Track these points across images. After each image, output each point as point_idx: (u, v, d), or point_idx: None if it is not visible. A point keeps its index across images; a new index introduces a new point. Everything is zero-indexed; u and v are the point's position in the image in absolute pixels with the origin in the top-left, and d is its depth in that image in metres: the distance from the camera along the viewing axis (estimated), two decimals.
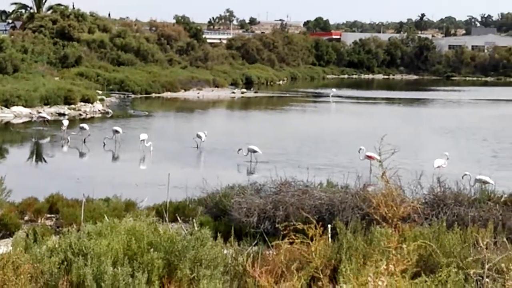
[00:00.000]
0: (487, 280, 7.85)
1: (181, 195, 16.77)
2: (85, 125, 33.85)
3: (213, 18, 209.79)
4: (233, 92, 72.42)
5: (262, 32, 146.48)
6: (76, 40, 77.59)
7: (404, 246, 8.71)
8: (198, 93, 69.01)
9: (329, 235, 9.90)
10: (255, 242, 10.63)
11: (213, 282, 7.75)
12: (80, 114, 46.01)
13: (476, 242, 9.19)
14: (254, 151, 27.95)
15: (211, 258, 8.42)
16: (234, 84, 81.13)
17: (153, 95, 64.71)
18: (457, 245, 9.32)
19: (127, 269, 7.75)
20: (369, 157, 25.41)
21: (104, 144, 31.57)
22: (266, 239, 11.50)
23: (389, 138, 10.31)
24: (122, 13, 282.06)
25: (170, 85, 67.71)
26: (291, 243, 9.16)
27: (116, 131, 31.96)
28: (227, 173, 26.19)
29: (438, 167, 23.89)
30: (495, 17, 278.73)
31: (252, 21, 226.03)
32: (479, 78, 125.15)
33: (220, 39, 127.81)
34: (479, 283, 7.97)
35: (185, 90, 68.98)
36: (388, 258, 8.47)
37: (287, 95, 74.82)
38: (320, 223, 9.47)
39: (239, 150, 28.05)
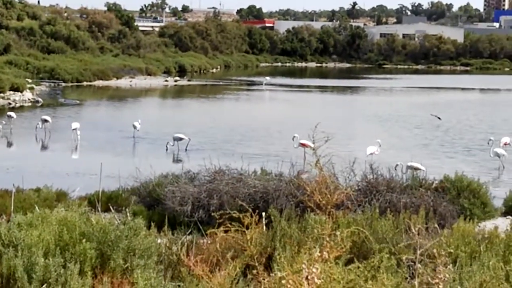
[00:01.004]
0: (419, 265, 7.93)
1: (114, 184, 16.57)
2: (12, 113, 33.20)
3: (145, 5, 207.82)
4: (166, 80, 72.00)
5: (195, 20, 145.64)
6: (5, 27, 76.06)
7: (337, 233, 8.76)
8: (130, 81, 68.40)
9: (264, 223, 9.90)
10: (189, 231, 10.57)
11: (146, 272, 7.67)
12: (9, 103, 45.15)
13: (408, 228, 9.30)
14: (180, 139, 27.91)
15: (144, 248, 8.34)
16: (167, 72, 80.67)
17: (85, 83, 63.88)
18: (389, 231, 9.41)
19: (59, 260, 7.62)
20: (303, 145, 25.52)
21: (35, 134, 31.06)
22: (200, 228, 11.46)
23: (322, 126, 10.35)
24: (52, 0, 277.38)
25: (101, 73, 66.91)
26: (226, 232, 9.15)
27: (45, 120, 31.44)
28: (161, 162, 26.01)
29: (371, 154, 24.14)
30: (425, 5, 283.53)
31: (185, 9, 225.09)
32: (410, 66, 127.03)
33: (152, 27, 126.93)
34: (411, 268, 8.06)
35: (117, 79, 68.28)
36: (322, 245, 8.51)
37: (221, 83, 74.73)
38: (256, 211, 9.49)
39: (167, 143, 27.95)
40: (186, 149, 28.07)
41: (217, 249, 8.98)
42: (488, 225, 13.57)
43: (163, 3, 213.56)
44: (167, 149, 27.83)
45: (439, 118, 37.44)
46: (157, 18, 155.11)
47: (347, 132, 33.74)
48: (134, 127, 30.62)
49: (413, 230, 9.05)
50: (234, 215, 9.58)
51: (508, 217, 15.42)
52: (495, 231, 9.40)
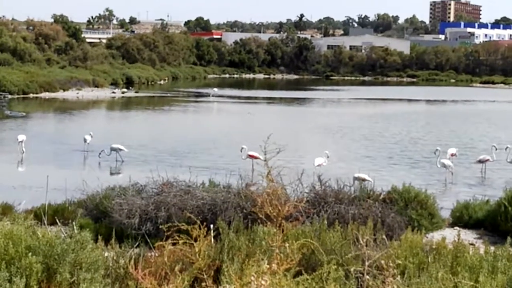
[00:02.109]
0: (367, 277, 7.95)
1: (61, 197, 16.34)
2: None
3: (92, 17, 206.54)
4: (114, 92, 71.56)
5: (142, 32, 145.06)
6: None
7: (287, 245, 8.74)
8: (77, 93, 67.84)
9: (212, 236, 9.83)
10: (137, 244, 10.45)
11: (93, 286, 7.55)
12: None
13: (357, 239, 9.31)
14: (119, 149, 27.79)
15: (91, 261, 8.21)
16: (115, 84, 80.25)
17: (31, 95, 63.17)
18: (338, 242, 9.41)
19: (4, 274, 7.46)
20: (251, 157, 25.52)
21: None
22: (148, 240, 11.34)
23: (272, 137, 10.33)
24: None
25: (48, 85, 66.29)
26: (174, 244, 9.06)
27: None
28: (108, 174, 25.85)
29: (319, 165, 24.23)
30: (372, 18, 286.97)
31: (132, 21, 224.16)
32: (357, 78, 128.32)
33: (99, 38, 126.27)
34: (359, 280, 8.07)
35: (64, 90, 67.70)
36: (271, 257, 8.48)
37: (168, 95, 74.51)
38: (204, 223, 9.42)
39: (101, 152, 27.86)
40: (122, 160, 27.89)
41: (165, 262, 8.89)
42: (435, 236, 13.68)
43: (110, 15, 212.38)
44: (99, 156, 27.80)
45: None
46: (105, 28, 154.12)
47: (295, 144, 33.81)
48: (85, 140, 30.14)
49: (361, 242, 9.07)
50: (182, 227, 9.50)
51: (455, 228, 15.55)
52: (443, 242, 9.46)
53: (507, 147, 27.70)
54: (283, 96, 78.49)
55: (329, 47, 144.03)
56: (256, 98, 74.18)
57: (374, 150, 33.42)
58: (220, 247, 9.27)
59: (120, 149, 27.89)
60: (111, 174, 25.96)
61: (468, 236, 15.09)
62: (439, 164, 25.86)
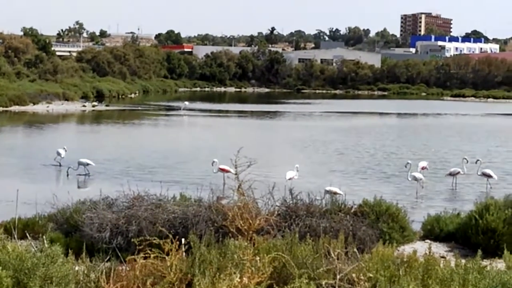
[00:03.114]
0: None
1: (31, 211, 16.20)
2: None
3: (62, 30, 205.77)
4: (84, 106, 71.24)
5: (113, 45, 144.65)
6: None
7: (258, 258, 8.72)
8: (47, 107, 67.44)
9: (183, 249, 9.78)
10: (108, 258, 10.38)
11: None
12: None
13: (328, 253, 9.31)
14: (87, 164, 27.67)
15: (62, 275, 8.15)
16: (85, 97, 79.89)
17: (0, 109, 62.67)
18: (309, 256, 9.40)
19: None
20: (222, 170, 25.49)
21: None
22: (119, 254, 11.25)
23: (243, 151, 10.33)
24: None
25: (18, 98, 65.86)
26: (145, 258, 9.01)
27: None
28: (78, 188, 25.68)
29: (290, 179, 24.23)
30: (343, 31, 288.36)
31: (103, 34, 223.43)
32: (329, 91, 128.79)
33: (69, 51, 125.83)
34: None
35: (34, 104, 67.28)
36: (243, 271, 8.45)
37: (139, 108, 74.32)
38: (175, 237, 9.37)
39: (68, 168, 27.77)
40: (89, 175, 27.74)
41: (137, 276, 8.84)
42: (407, 249, 13.72)
43: (80, 28, 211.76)
44: (67, 174, 27.71)
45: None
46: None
47: (266, 157, 33.79)
48: (59, 154, 29.71)
49: (333, 255, 9.07)
50: (153, 241, 9.46)
51: (426, 241, 15.62)
52: (414, 255, 9.48)
53: (477, 160, 27.91)
54: (254, 109, 78.59)
55: (300, 60, 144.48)
56: (227, 111, 74.19)
57: (345, 163, 33.51)
58: (191, 261, 9.23)
59: (88, 164, 27.74)
60: (80, 188, 25.80)
61: (439, 249, 15.17)
62: (410, 177, 25.99)
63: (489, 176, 26.81)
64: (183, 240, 10.13)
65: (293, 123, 60.79)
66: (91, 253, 11.43)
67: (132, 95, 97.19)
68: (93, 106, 71.73)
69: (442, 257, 13.16)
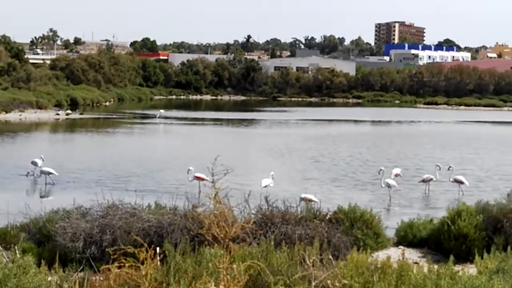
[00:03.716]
0: None
1: (2, 221, 16.06)
2: None
3: (35, 37, 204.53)
4: (58, 114, 70.86)
5: (87, 53, 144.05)
6: None
7: (234, 266, 8.72)
8: (20, 115, 66.98)
9: (158, 258, 9.76)
10: (81, 267, 10.33)
11: None
12: None
13: (303, 260, 9.33)
14: (50, 173, 27.54)
15: (34, 286, 8.08)
16: (59, 105, 79.46)
17: None
18: (284, 263, 9.41)
19: None
20: (198, 178, 25.46)
21: None
22: (93, 264, 11.20)
23: (218, 159, 10.33)
24: None
25: None
26: (119, 268, 8.96)
27: None
28: (51, 197, 25.46)
29: (265, 186, 24.25)
30: (318, 39, 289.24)
31: (77, 41, 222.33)
32: (304, 99, 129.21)
33: (43, 59, 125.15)
34: None
35: (6, 112, 66.83)
36: (218, 279, 8.44)
37: (114, 116, 74.02)
38: (150, 246, 9.34)
39: (28, 173, 27.67)
40: (53, 184, 27.57)
41: (111, 285, 8.79)
42: (381, 255, 13.77)
43: (54, 35, 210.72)
44: (27, 175, 27.86)
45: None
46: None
47: (242, 165, 33.80)
48: (35, 163, 29.22)
49: (308, 262, 9.09)
50: (128, 250, 9.42)
51: (400, 247, 15.70)
52: (388, 261, 9.52)
53: (450, 167, 28.11)
54: (230, 117, 78.60)
55: (276, 68, 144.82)
56: (203, 119, 74.13)
57: (320, 171, 33.60)
58: (166, 270, 9.20)
59: (50, 173, 27.59)
60: (53, 197, 25.48)
61: (412, 255, 15.25)
62: (383, 184, 26.12)
63: (461, 182, 27.03)
64: (158, 249, 10.11)
65: (269, 131, 60.85)
66: (64, 263, 11.36)
67: (107, 103, 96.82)
68: (67, 114, 71.35)
69: (416, 262, 13.23)
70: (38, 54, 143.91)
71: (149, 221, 13.82)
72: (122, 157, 37.26)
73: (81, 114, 74.07)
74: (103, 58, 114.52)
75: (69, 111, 73.86)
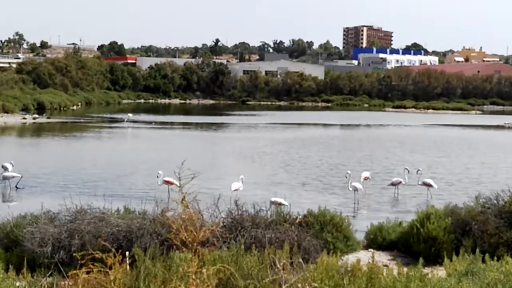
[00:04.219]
0: None
1: None
2: None
3: (1, 41, 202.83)
4: (24, 118, 70.26)
5: (54, 56, 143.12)
6: None
7: (204, 270, 8.68)
8: None
9: (127, 263, 9.69)
10: (50, 273, 10.23)
11: None
12: None
13: (273, 263, 9.32)
14: (13, 177, 27.31)
15: None
16: (25, 109, 78.86)
17: None
18: (255, 267, 9.39)
19: None
20: (167, 182, 25.37)
21: None
22: (62, 269, 11.09)
23: (188, 163, 10.29)
24: None
25: None
26: (88, 273, 8.88)
27: None
28: (18, 202, 25.22)
29: (236, 190, 24.24)
30: (287, 43, 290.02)
31: (44, 45, 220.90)
32: (273, 103, 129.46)
33: (9, 63, 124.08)
34: None
35: None
36: (188, 283, 8.40)
37: (82, 120, 73.58)
38: (119, 250, 9.27)
39: None
40: (16, 187, 27.34)
41: None
42: (351, 258, 13.81)
43: (20, 39, 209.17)
44: None
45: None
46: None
47: (212, 169, 33.77)
48: (5, 168, 28.77)
49: (278, 265, 9.08)
50: (96, 255, 9.34)
51: (370, 250, 15.76)
52: (358, 264, 9.54)
53: (418, 170, 28.29)
54: (199, 121, 78.50)
55: (245, 72, 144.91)
56: (172, 123, 73.90)
57: (290, 174, 33.64)
58: (135, 275, 9.13)
59: (13, 176, 27.37)
60: (21, 202, 25.22)
61: (382, 257, 15.31)
62: (350, 187, 26.20)
63: (429, 185, 27.21)
64: (127, 253, 10.04)
65: (238, 134, 60.82)
66: (32, 268, 11.25)
67: (74, 107, 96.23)
68: (34, 118, 70.78)
69: (385, 265, 13.27)
70: (4, 57, 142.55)
71: (118, 226, 13.72)
72: (90, 162, 37.00)
73: (48, 118, 73.50)
74: (70, 61, 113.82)
75: (36, 115, 73.27)
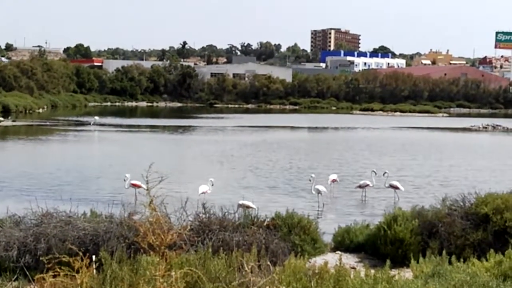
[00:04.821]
0: None
1: None
2: None
3: None
4: None
5: (19, 59, 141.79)
6: None
7: (171, 273, 8.64)
8: None
9: (94, 267, 9.62)
10: (15, 277, 10.13)
11: None
12: None
13: (241, 266, 9.31)
14: None
15: None
16: None
17: None
18: (222, 270, 9.38)
19: None
20: (134, 185, 25.26)
21: None
22: (27, 273, 10.99)
23: (155, 166, 10.24)
24: None
25: None
26: (54, 277, 8.81)
27: None
28: None
29: (203, 193, 24.19)
30: (255, 46, 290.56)
31: (9, 47, 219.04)
32: (241, 105, 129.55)
33: None
34: None
35: None
36: (155, 287, 8.36)
37: (48, 123, 73.00)
38: (86, 254, 9.21)
39: None
40: None
41: None
42: (318, 260, 13.83)
43: None
44: None
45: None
46: None
47: (179, 172, 33.68)
48: None
49: (246, 268, 9.07)
50: (63, 259, 9.26)
51: (337, 252, 15.80)
52: (325, 267, 9.57)
53: (385, 173, 28.44)
54: (167, 124, 78.27)
55: (212, 74, 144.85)
56: (139, 126, 73.61)
57: (258, 177, 33.63)
58: (102, 278, 9.08)
59: None
60: None
61: (349, 260, 15.35)
62: (314, 190, 26.24)
63: (396, 188, 27.37)
64: (94, 257, 9.97)
65: (206, 137, 60.71)
66: None
67: (40, 110, 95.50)
68: None
69: (353, 267, 13.31)
70: None
71: (85, 229, 13.62)
72: (56, 165, 36.67)
73: (13, 121, 72.86)
74: (35, 64, 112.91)
75: (0, 118, 72.58)
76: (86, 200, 23.10)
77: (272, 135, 65.17)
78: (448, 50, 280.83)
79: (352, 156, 44.58)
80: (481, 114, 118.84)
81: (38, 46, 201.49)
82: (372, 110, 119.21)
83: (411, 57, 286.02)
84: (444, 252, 12.41)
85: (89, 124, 68.39)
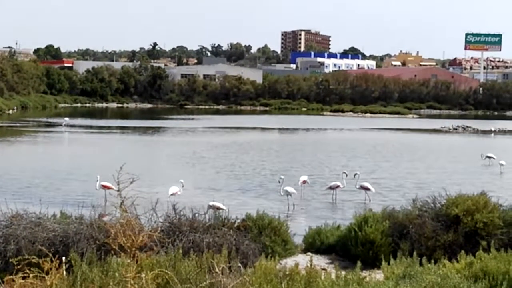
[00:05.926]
0: None
1: None
2: None
3: None
4: None
5: None
6: None
7: (142, 275, 8.63)
8: None
9: (64, 268, 9.57)
10: None
11: None
12: None
13: (212, 268, 9.31)
14: None
15: None
16: None
17: None
18: (193, 271, 9.37)
19: None
20: (104, 187, 25.14)
21: None
22: None
23: (126, 167, 10.22)
24: None
25: None
26: (24, 278, 8.76)
27: None
28: None
29: (173, 194, 24.15)
30: (225, 47, 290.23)
31: None
32: (211, 107, 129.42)
33: None
34: None
35: None
36: None
37: (17, 125, 72.43)
38: (56, 256, 9.16)
39: None
40: None
41: None
42: (289, 262, 13.85)
43: None
44: None
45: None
46: None
47: (149, 173, 33.55)
48: None
49: (217, 270, 9.08)
50: (33, 260, 9.21)
51: (308, 253, 15.82)
52: (296, 268, 9.60)
53: (356, 174, 28.55)
54: (137, 125, 77.98)
55: (183, 76, 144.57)
56: (109, 127, 73.27)
57: (229, 179, 33.61)
58: (72, 280, 9.04)
59: None
60: None
61: (320, 261, 15.38)
62: (282, 192, 26.28)
63: (367, 189, 27.49)
64: (63, 258, 9.92)
65: (176, 139, 60.57)
66: None
67: (10, 111, 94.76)
68: None
69: (323, 269, 13.35)
70: None
71: (55, 231, 13.54)
72: (25, 167, 36.40)
73: None
74: (5, 65, 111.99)
75: None
76: (56, 202, 22.92)
77: (243, 136, 65.15)
78: (418, 52, 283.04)
79: (324, 158, 44.68)
80: (451, 116, 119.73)
81: (9, 47, 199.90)
82: (343, 111, 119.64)
83: (381, 58, 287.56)
84: (415, 253, 12.46)
85: (60, 125, 67.95)
